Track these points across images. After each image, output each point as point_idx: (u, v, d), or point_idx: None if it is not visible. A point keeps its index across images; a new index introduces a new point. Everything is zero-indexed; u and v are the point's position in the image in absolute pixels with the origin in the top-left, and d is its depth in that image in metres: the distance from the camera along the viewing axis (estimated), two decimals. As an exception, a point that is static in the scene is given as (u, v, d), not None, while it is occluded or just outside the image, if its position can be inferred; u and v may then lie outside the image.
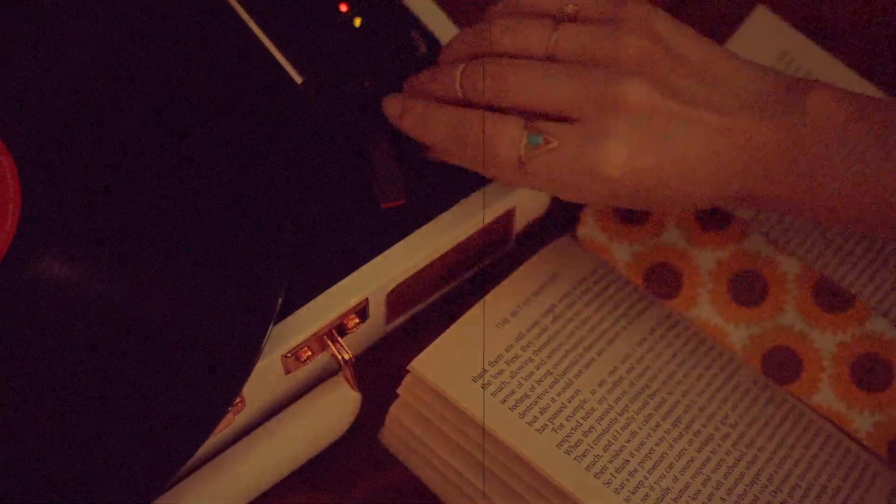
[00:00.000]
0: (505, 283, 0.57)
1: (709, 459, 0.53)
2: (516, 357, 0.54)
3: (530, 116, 0.50)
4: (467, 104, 0.52)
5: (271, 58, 0.56)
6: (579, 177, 0.49)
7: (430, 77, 0.54)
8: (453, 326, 0.55)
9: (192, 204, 0.53)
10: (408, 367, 0.53)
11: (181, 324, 0.50)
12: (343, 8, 0.59)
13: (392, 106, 0.54)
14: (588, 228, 0.60)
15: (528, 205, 0.59)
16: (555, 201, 0.61)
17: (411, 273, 0.55)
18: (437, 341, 0.54)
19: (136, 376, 0.49)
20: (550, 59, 0.51)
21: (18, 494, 0.47)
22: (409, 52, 0.58)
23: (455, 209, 0.56)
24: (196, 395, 0.49)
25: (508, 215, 0.58)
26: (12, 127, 0.53)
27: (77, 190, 0.52)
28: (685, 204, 0.51)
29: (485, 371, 0.53)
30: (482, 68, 0.51)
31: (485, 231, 0.57)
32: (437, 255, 0.55)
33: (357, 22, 0.59)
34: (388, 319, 0.58)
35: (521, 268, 0.58)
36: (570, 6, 0.52)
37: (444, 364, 0.53)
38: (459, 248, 0.57)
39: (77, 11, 0.57)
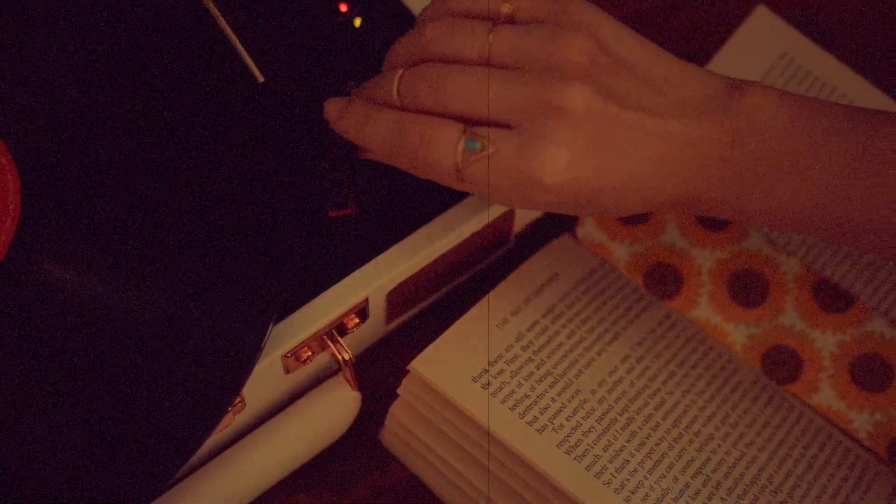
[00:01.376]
0: (505, 283, 0.57)
1: (709, 459, 0.53)
2: (516, 357, 0.54)
3: (470, 123, 0.49)
4: (407, 111, 0.51)
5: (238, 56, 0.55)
6: (518, 184, 0.48)
7: (373, 84, 0.52)
8: (453, 326, 0.55)
9: (192, 203, 0.53)
10: (408, 367, 0.53)
11: (181, 324, 0.50)
12: (343, 8, 0.59)
13: (332, 108, 0.52)
14: (588, 228, 0.60)
15: (528, 205, 0.59)
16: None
17: (411, 273, 0.55)
18: (437, 341, 0.54)
19: (136, 376, 0.49)
20: (488, 63, 0.49)
21: (19, 495, 0.47)
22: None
23: (455, 209, 0.56)
24: (196, 395, 0.49)
25: (508, 215, 0.58)
26: (12, 127, 0.53)
27: (77, 190, 0.52)
28: (627, 209, 0.50)
29: (486, 371, 0.53)
30: (418, 75, 0.49)
31: (485, 231, 0.57)
32: (437, 255, 0.55)
33: (357, 22, 0.59)
34: (388, 319, 0.58)
35: (521, 268, 0.58)
36: (506, 6, 0.50)
37: (444, 364, 0.53)
38: (459, 248, 0.57)
39: (77, 10, 0.57)
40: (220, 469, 0.53)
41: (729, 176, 0.49)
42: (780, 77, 0.65)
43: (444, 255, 0.56)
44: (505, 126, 0.48)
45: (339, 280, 0.53)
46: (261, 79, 0.55)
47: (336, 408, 0.55)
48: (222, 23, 0.55)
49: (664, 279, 0.59)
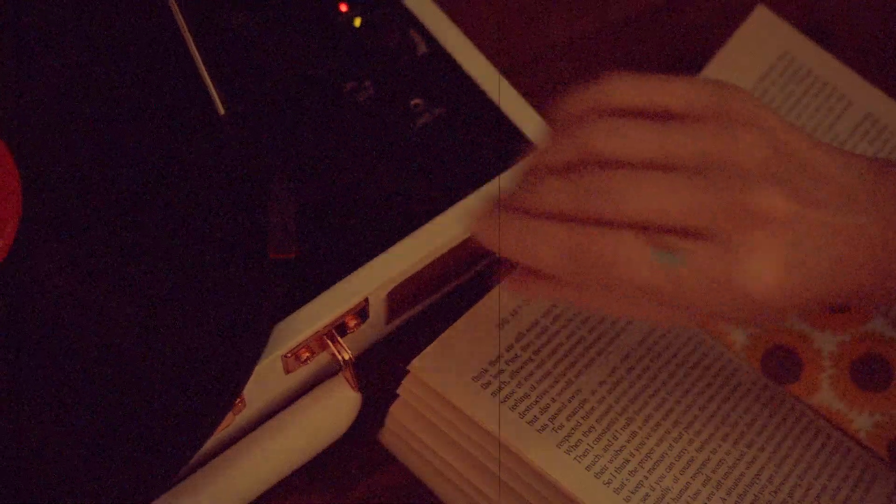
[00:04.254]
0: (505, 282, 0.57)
1: (709, 459, 0.53)
2: (516, 357, 0.54)
3: (648, 231, 0.44)
4: (570, 220, 0.46)
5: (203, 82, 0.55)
6: (722, 299, 0.44)
7: (526, 192, 0.47)
8: (453, 326, 0.55)
9: (193, 203, 0.53)
10: (408, 367, 0.53)
11: (181, 324, 0.50)
12: (343, 8, 0.59)
13: (477, 225, 0.47)
14: (588, 228, 0.59)
15: (528, 205, 0.59)
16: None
17: (411, 273, 0.55)
18: (437, 341, 0.54)
19: (137, 377, 0.49)
20: (662, 166, 0.45)
21: (19, 495, 0.47)
22: (409, 53, 0.58)
23: (455, 209, 0.56)
24: (196, 395, 0.49)
25: (508, 215, 0.58)
26: (12, 127, 0.53)
27: (78, 190, 0.52)
28: (802, 315, 0.46)
29: (486, 370, 0.53)
30: (586, 182, 0.45)
31: (485, 231, 0.57)
32: (436, 256, 0.55)
33: (357, 22, 0.59)
34: (388, 319, 0.58)
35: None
36: (665, 98, 0.46)
37: (444, 364, 0.53)
38: (460, 248, 0.56)
39: (77, 11, 0.57)
40: (220, 469, 0.53)
41: (893, 265, 0.45)
42: (780, 77, 0.65)
43: (444, 255, 0.56)
44: (691, 234, 0.44)
45: (339, 280, 0.53)
46: (222, 111, 0.54)
47: (336, 408, 0.55)
48: (193, 49, 0.55)
49: (664, 279, 0.59)
